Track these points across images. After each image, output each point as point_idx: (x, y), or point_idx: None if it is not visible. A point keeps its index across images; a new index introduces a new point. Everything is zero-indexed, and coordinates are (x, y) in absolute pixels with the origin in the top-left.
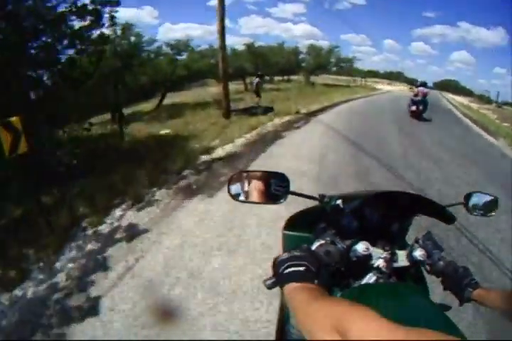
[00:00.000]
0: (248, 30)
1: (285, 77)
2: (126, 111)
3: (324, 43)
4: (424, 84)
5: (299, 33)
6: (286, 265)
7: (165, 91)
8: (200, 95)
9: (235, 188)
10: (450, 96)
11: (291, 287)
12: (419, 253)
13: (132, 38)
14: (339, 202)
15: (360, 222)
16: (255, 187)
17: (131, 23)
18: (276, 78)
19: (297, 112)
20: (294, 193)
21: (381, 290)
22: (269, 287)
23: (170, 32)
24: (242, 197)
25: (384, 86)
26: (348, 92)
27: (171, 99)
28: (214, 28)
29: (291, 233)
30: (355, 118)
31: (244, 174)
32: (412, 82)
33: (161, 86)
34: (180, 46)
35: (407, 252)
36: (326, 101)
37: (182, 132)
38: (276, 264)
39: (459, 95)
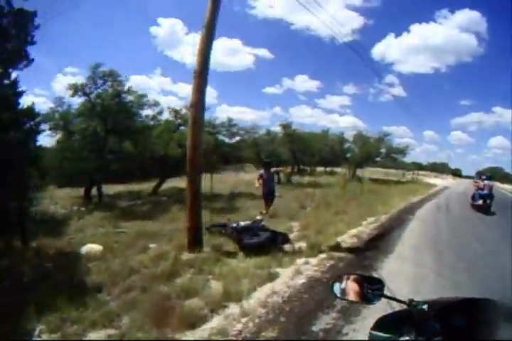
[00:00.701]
0: (297, 119)
1: (328, 169)
2: (122, 187)
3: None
4: (489, 178)
5: (345, 125)
6: None
7: (164, 172)
8: (222, 183)
9: (336, 287)
10: (500, 185)
11: None
12: None
13: (128, 96)
14: (425, 306)
15: (443, 326)
16: (352, 287)
17: (116, 71)
18: (319, 169)
19: (336, 247)
20: (386, 297)
21: None
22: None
23: (226, 113)
24: (340, 295)
25: (433, 179)
26: (405, 191)
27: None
28: (266, 113)
29: (378, 333)
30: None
31: (345, 276)
32: (456, 173)
33: (159, 164)
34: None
35: None
36: (383, 211)
37: (106, 258)
38: None
39: (509, 184)
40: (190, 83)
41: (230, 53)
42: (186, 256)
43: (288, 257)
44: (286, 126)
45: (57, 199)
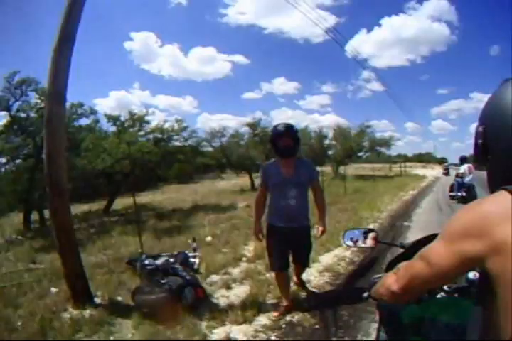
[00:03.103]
0: (279, 122)
1: None
2: (73, 208)
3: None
4: (464, 159)
5: (327, 124)
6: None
7: (112, 188)
8: (192, 194)
9: (346, 237)
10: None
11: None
12: (472, 275)
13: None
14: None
15: None
16: (357, 237)
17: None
18: None
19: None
20: (381, 242)
21: (445, 303)
22: (365, 298)
23: (208, 122)
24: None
25: (421, 170)
26: (394, 187)
27: (154, 195)
28: (248, 119)
29: None
30: None
31: (349, 231)
32: (442, 162)
33: (107, 180)
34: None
35: (464, 276)
36: (372, 219)
37: None
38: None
39: None
40: (169, 95)
41: (207, 62)
42: (68, 313)
43: (204, 323)
44: (252, 125)
45: (6, 227)
